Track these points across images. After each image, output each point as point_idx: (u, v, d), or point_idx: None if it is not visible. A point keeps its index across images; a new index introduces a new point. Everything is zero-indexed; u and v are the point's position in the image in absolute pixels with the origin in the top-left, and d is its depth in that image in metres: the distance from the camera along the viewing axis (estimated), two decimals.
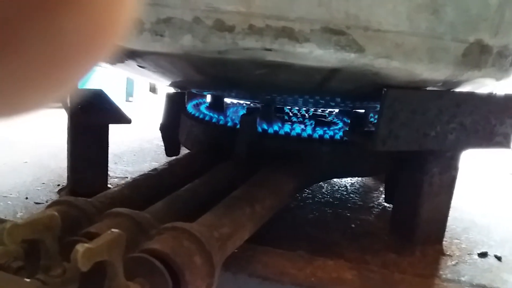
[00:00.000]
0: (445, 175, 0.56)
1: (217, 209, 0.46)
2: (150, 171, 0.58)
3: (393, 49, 0.47)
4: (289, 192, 0.59)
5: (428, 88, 0.55)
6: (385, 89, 0.50)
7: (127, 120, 0.60)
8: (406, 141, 0.51)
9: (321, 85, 0.53)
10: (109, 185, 0.71)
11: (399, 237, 0.58)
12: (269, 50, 0.45)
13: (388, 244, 0.58)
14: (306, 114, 0.91)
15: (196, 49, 0.46)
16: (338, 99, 0.68)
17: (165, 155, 0.88)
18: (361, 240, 0.59)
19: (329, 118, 0.88)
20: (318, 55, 0.46)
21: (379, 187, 0.82)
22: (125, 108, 0.67)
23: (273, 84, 0.56)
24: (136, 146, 1.01)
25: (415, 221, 0.56)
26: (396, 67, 0.49)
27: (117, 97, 1.67)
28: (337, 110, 0.94)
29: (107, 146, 0.65)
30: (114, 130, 0.74)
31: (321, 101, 0.71)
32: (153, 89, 2.12)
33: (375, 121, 0.86)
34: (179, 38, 0.45)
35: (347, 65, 0.48)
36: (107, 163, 0.67)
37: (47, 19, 0.08)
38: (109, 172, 0.79)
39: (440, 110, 0.53)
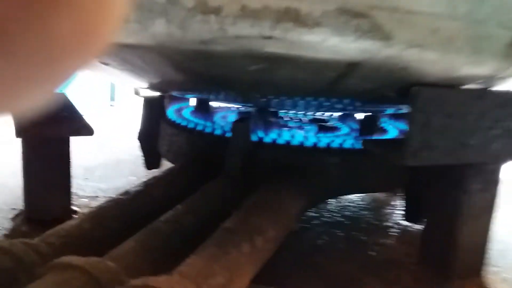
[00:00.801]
0: (487, 193, 0.45)
1: (206, 248, 0.36)
2: (120, 195, 0.46)
3: (427, 37, 0.38)
4: (296, 216, 0.48)
5: (464, 87, 0.45)
6: (417, 88, 0.39)
7: (88, 131, 0.48)
8: (442, 153, 0.41)
9: (333, 84, 0.42)
10: (75, 208, 0.60)
11: (430, 268, 0.47)
12: (268, 38, 0.35)
13: (418, 277, 0.47)
14: (305, 118, 0.80)
15: (172, 39, 0.35)
16: (348, 101, 0.57)
17: (145, 168, 0.76)
18: (384, 272, 0.48)
19: (331, 122, 0.77)
20: (332, 44, 0.36)
21: (391, 201, 0.71)
22: (107, 113, 0.56)
23: (272, 84, 0.45)
24: (112, 158, 0.89)
25: (452, 249, 0.45)
26: (430, 59, 0.39)
27: (101, 102, 1.56)
28: (340, 113, 0.83)
29: (69, 162, 0.53)
30: (86, 140, 0.63)
31: (326, 104, 0.60)
32: (138, 92, 1.99)
33: (382, 124, 0.76)
34: (150, 24, 0.35)
35: (369, 57, 0.37)
36: (70, 183, 0.55)
37: (37, 20, 0.08)
38: (77, 191, 0.67)
39: (482, 114, 0.42)
